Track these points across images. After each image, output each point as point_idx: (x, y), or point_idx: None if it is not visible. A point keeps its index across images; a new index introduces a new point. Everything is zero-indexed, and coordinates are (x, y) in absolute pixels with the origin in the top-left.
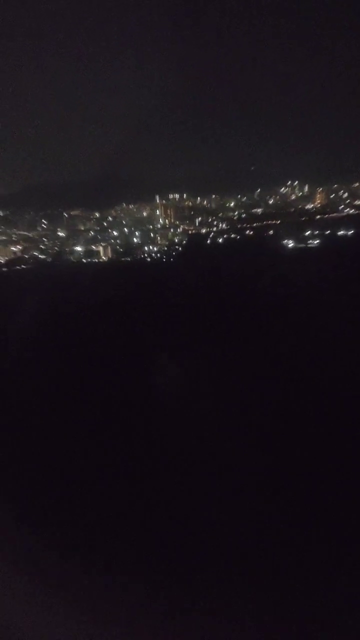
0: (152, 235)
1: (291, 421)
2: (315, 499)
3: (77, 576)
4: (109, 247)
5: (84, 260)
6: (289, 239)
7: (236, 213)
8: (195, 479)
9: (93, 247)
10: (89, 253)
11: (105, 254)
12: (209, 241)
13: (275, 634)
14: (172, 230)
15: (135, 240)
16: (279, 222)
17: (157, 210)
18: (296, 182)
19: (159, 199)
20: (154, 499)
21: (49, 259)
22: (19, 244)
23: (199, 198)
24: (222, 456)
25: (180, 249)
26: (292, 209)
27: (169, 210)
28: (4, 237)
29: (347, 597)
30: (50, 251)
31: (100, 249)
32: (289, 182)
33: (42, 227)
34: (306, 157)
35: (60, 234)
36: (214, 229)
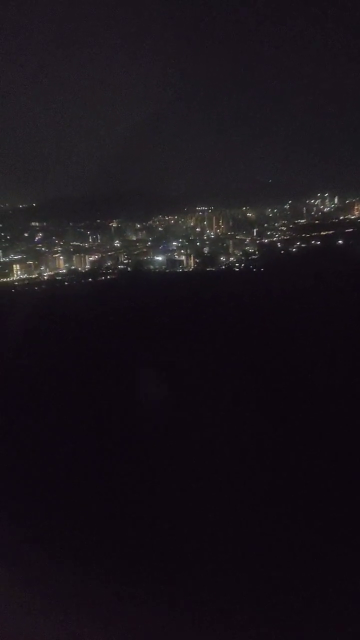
0: (222, 245)
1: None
2: (316, 504)
3: (75, 578)
4: (192, 257)
5: (167, 270)
6: None
7: (283, 223)
8: (194, 483)
9: (176, 256)
10: (172, 263)
11: (188, 264)
12: (282, 251)
13: (275, 635)
14: (229, 239)
15: (205, 250)
16: (332, 232)
17: (205, 221)
18: (327, 194)
19: (190, 211)
20: (153, 503)
21: (129, 269)
22: (94, 254)
23: (230, 210)
24: (222, 459)
25: (257, 258)
26: (335, 220)
27: (220, 221)
28: (59, 248)
29: (348, 599)
30: (126, 261)
31: (184, 258)
32: (319, 193)
33: (92, 238)
34: (328, 168)
35: (116, 244)
36: (274, 238)
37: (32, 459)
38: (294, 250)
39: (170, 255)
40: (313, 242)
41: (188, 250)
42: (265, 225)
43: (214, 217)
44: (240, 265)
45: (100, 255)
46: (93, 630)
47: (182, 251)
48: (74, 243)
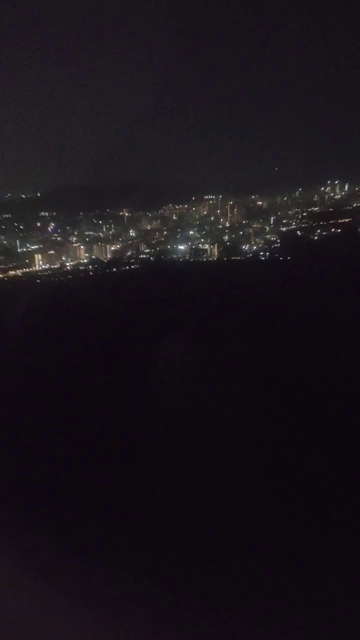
0: (242, 233)
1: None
2: (316, 503)
3: (79, 574)
4: (216, 246)
5: (192, 260)
6: None
7: (296, 211)
8: (196, 478)
9: (200, 245)
10: (196, 252)
11: (212, 253)
12: (304, 239)
13: (274, 634)
14: (247, 228)
15: (226, 239)
16: (349, 219)
17: (217, 210)
18: (337, 181)
19: (199, 200)
20: (155, 498)
21: (151, 258)
22: (115, 243)
23: (239, 199)
24: (224, 455)
25: (279, 247)
26: (349, 207)
27: (235, 210)
28: (74, 238)
29: (348, 599)
30: (147, 250)
31: (207, 247)
32: (329, 180)
33: (106, 227)
34: (335, 155)
35: (131, 233)
36: (292, 227)
37: (35, 459)
38: (315, 238)
39: (192, 245)
40: (333, 230)
41: (209, 239)
42: (279, 213)
43: (227, 206)
44: (265, 254)
45: (120, 245)
46: (93, 629)
47: (204, 240)
48: (89, 232)
